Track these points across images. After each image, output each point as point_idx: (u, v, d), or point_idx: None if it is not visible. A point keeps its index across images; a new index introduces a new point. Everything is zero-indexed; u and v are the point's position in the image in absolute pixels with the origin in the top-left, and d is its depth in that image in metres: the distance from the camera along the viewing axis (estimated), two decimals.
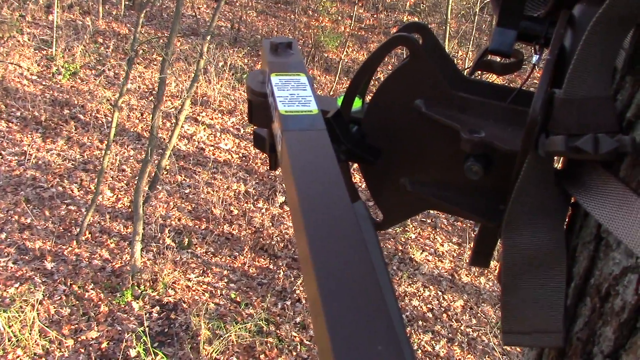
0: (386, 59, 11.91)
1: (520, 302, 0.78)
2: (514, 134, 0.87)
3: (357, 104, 1.01)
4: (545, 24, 0.89)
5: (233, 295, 7.55)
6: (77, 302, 6.98)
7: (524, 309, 0.78)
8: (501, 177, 0.88)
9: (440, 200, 0.97)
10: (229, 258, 8.14)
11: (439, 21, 13.95)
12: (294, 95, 0.85)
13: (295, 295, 7.69)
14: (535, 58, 0.94)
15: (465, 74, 0.98)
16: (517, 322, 0.78)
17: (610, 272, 0.70)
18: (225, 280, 7.78)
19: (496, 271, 0.92)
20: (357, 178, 5.66)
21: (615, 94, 0.75)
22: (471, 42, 11.80)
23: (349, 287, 0.55)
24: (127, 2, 13.24)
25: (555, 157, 0.76)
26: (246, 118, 10.63)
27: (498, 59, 1.01)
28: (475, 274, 8.67)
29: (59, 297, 7.00)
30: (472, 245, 1.00)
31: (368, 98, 1.04)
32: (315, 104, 0.84)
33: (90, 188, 8.65)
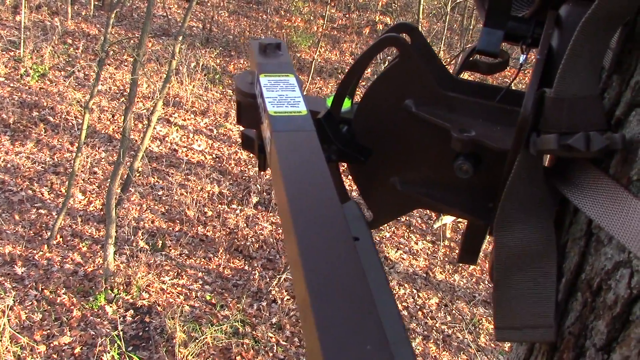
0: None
1: (512, 298, 0.79)
2: (504, 132, 0.88)
3: (346, 104, 1.01)
4: (532, 24, 0.90)
5: (208, 297, 7.51)
6: (49, 307, 6.88)
7: (516, 304, 0.78)
8: (491, 176, 0.89)
9: (430, 199, 0.98)
10: (203, 260, 8.09)
11: (410, 21, 14.02)
12: (283, 96, 0.86)
13: (270, 296, 7.67)
14: (522, 58, 0.94)
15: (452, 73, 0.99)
16: (509, 318, 0.79)
17: (603, 267, 0.70)
18: (200, 282, 7.74)
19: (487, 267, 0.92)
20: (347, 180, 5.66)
21: (602, 92, 0.76)
22: (443, 42, 11.87)
23: (338, 288, 0.55)
24: (96, 3, 13.09)
25: (544, 155, 0.76)
26: (219, 119, 10.60)
27: (484, 59, 1.02)
28: (450, 272, 8.74)
29: (30, 303, 6.90)
30: (460, 243, 1.01)
31: (357, 97, 1.04)
32: (304, 105, 0.84)
33: (61, 191, 8.54)
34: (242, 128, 1.08)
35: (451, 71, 0.98)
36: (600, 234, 0.72)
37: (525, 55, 0.93)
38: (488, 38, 0.92)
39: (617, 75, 0.74)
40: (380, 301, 0.57)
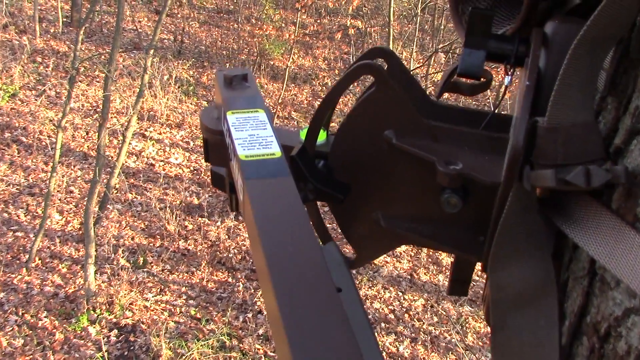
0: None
1: (511, 342, 0.73)
2: (493, 163, 0.83)
3: (321, 136, 0.95)
4: (515, 42, 0.84)
5: (193, 312, 7.42)
6: (31, 331, 6.74)
7: (516, 348, 0.72)
8: (480, 208, 0.84)
9: (416, 234, 0.92)
10: (186, 274, 7.99)
11: (381, 24, 14.01)
12: (254, 135, 0.79)
13: (256, 307, 7.59)
14: (506, 79, 0.88)
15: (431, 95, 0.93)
16: None
17: (611, 312, 0.64)
18: (184, 297, 7.64)
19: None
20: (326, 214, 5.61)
21: (597, 115, 0.70)
22: (415, 43, 11.87)
23: (322, 344, 0.51)
24: (65, 19, 12.92)
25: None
26: (195, 131, 10.50)
27: (465, 80, 0.96)
28: (434, 272, 8.71)
29: (11, 328, 6.75)
30: (449, 274, 0.95)
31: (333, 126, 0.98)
32: (277, 146, 0.77)
33: (37, 212, 8.38)
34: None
35: (431, 85, 0.92)
36: (605, 275, 0.66)
37: (510, 77, 0.87)
38: (469, 59, 0.85)
39: (613, 98, 0.68)
40: (367, 357, 0.53)
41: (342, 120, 0.94)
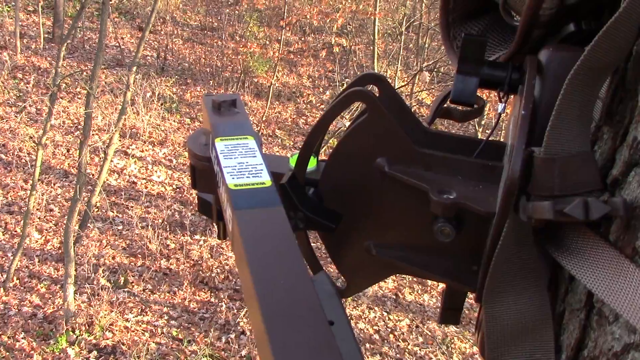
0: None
1: None
2: (487, 191, 0.82)
3: (311, 163, 0.94)
4: (508, 69, 0.83)
5: (175, 333, 7.34)
6: (7, 353, 6.64)
7: None
8: (474, 238, 0.83)
9: (409, 263, 0.91)
10: (168, 294, 7.92)
11: (366, 42, 14.09)
12: (243, 164, 0.78)
13: (239, 327, 7.53)
14: (500, 107, 0.87)
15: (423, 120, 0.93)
16: None
17: (609, 347, 0.63)
18: (166, 317, 7.56)
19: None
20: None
21: (592, 144, 0.69)
22: (399, 62, 11.94)
23: None
24: (46, 35, 12.86)
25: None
26: (178, 148, 10.46)
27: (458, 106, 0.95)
28: (419, 292, 8.70)
29: None
30: (440, 302, 0.94)
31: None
32: (267, 174, 0.76)
33: (16, 231, 8.29)
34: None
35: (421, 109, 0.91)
36: (603, 308, 0.65)
37: (503, 104, 0.86)
38: (462, 86, 0.84)
39: (609, 127, 0.67)
40: None
41: (333, 148, 0.93)
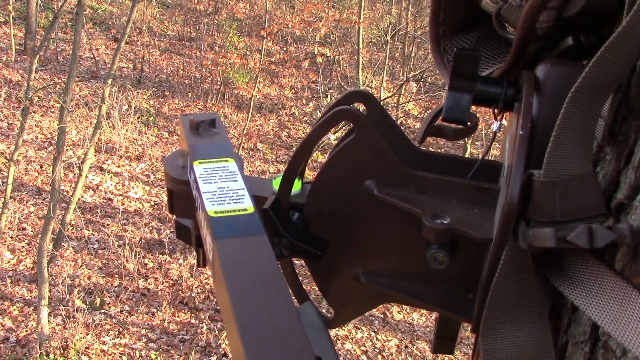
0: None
1: None
2: (483, 216, 0.80)
3: (296, 186, 0.92)
4: (503, 85, 0.81)
5: (153, 356, 7.30)
6: None
7: None
8: (469, 264, 0.81)
9: (400, 292, 0.89)
10: (146, 315, 7.86)
11: (350, 51, 14.14)
12: (223, 188, 0.76)
13: (220, 349, 7.49)
14: (495, 125, 0.86)
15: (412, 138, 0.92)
16: None
17: None
18: (144, 340, 7.51)
19: None
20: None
21: (594, 165, 0.68)
22: (385, 72, 11.97)
23: None
24: (18, 47, 12.79)
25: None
26: (155, 163, 10.41)
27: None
28: (408, 311, 8.69)
29: None
30: (433, 331, 0.92)
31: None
32: (249, 200, 0.74)
33: None
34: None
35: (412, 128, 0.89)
36: (610, 342, 0.64)
37: (499, 123, 0.85)
38: (454, 103, 0.82)
39: (612, 148, 0.67)
40: None
41: (319, 169, 0.91)
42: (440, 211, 0.81)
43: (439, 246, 0.80)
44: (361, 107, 0.93)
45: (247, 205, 0.73)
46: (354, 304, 0.97)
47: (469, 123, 0.86)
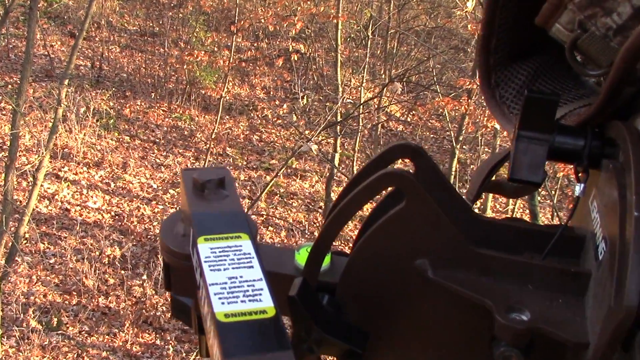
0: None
1: None
2: (570, 309, 0.72)
3: (324, 260, 0.82)
4: (587, 136, 0.73)
5: None
6: None
7: None
8: None
9: None
10: (107, 336, 7.89)
11: (327, 47, 14.19)
12: (235, 279, 0.63)
13: None
14: (578, 188, 0.75)
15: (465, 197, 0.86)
16: None
17: None
18: None
19: None
20: None
21: None
22: (365, 70, 11.97)
23: None
24: None
25: None
26: (116, 170, 10.43)
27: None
28: None
29: None
30: None
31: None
32: (269, 296, 0.61)
33: None
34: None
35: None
36: None
37: (582, 185, 0.74)
38: (525, 160, 0.74)
39: None
40: None
41: (359, 243, 0.80)
42: (516, 302, 0.72)
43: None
44: (401, 160, 0.86)
45: (267, 305, 0.60)
46: None
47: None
